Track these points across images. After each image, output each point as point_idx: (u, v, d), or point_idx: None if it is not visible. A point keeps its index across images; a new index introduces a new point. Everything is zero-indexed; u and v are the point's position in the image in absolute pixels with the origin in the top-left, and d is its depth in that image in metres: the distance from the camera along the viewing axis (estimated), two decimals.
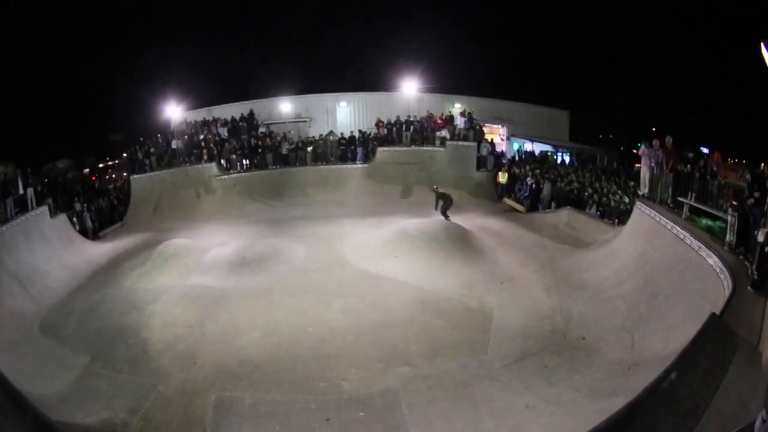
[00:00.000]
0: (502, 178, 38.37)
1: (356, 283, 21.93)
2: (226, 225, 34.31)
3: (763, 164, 17.61)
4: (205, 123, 46.86)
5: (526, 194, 35.01)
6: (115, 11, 61.32)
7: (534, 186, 34.58)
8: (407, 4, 66.36)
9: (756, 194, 15.52)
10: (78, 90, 62.24)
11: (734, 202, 16.77)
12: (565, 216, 29.10)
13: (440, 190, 29.69)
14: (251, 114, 47.62)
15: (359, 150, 42.62)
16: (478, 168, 40.47)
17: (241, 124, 46.44)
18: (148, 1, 63.78)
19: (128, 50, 62.82)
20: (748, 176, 17.25)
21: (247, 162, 43.06)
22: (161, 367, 16.31)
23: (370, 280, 22.03)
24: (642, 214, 21.30)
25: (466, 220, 30.58)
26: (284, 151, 43.06)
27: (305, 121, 50.42)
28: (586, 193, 30.37)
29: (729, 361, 8.25)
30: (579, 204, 29.90)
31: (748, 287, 12.90)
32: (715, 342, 9.19)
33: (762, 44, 13.63)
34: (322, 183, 41.26)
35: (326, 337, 17.26)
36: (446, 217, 28.64)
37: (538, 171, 36.89)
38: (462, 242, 25.77)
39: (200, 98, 51.17)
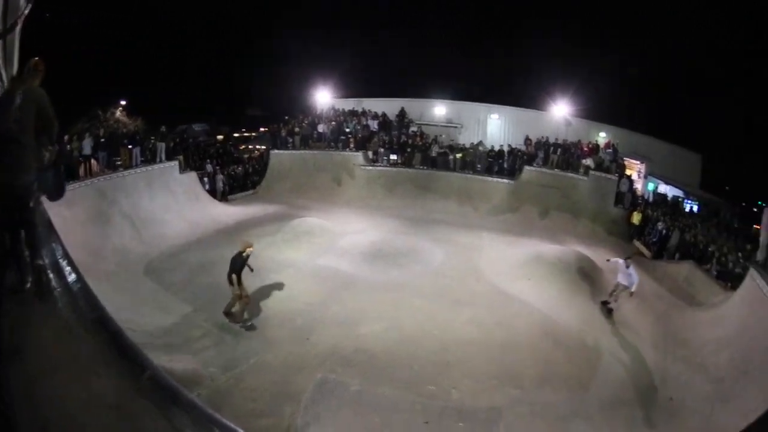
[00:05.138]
0: (636, 218, 37.98)
1: (488, 297, 22.69)
2: (364, 214, 35.35)
3: None
4: (354, 113, 47.99)
5: (655, 239, 34.77)
6: None
7: (664, 232, 34.31)
8: (567, 29, 66.17)
9: None
10: (223, 61, 64.67)
11: None
12: (685, 270, 28.61)
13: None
14: (402, 112, 48.69)
15: (507, 165, 42.83)
16: (616, 204, 39.92)
17: (393, 120, 47.49)
18: None
19: (284, 31, 64.54)
20: None
21: (395, 157, 43.75)
22: (272, 336, 17.50)
23: (502, 297, 22.71)
24: (753, 282, 20.29)
25: (597, 255, 30.46)
26: (434, 153, 43.61)
27: (456, 127, 50.97)
28: (710, 249, 29.82)
29: None
30: (701, 259, 29.50)
31: None
32: None
33: None
34: (466, 191, 41.44)
35: (449, 344, 17.96)
36: None
37: (668, 217, 36.52)
38: (591, 278, 26.11)
39: (350, 88, 52.50)
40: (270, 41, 63.40)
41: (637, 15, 65.55)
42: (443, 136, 48.24)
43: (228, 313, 17.91)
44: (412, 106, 51.10)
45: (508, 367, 16.79)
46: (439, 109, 51.96)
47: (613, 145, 43.87)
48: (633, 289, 21.19)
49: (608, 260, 23.74)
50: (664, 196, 45.39)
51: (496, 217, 39.24)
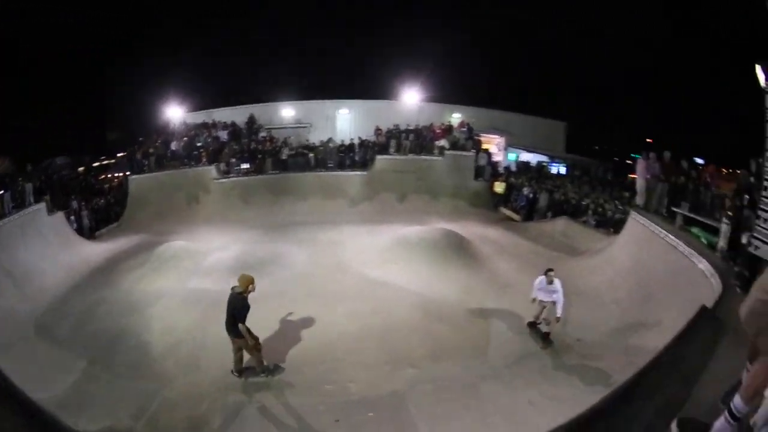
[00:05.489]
0: (499, 188, 38.94)
1: (359, 288, 22.07)
2: (225, 229, 34.08)
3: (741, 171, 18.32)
4: (205, 125, 47.01)
5: (522, 204, 35.52)
6: (120, 8, 61.54)
7: (531, 196, 35.15)
8: (410, 11, 66.37)
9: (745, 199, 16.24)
10: (77, 86, 62.46)
11: (729, 213, 17.09)
12: (561, 225, 29.83)
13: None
14: (252, 118, 48.02)
15: (358, 157, 42.43)
16: (476, 178, 40.66)
17: (242, 128, 46.80)
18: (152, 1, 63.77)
19: (129, 48, 62.94)
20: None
21: (247, 166, 42.02)
22: (165, 371, 16.24)
23: (372, 285, 22.19)
24: (636, 223, 21.81)
25: (464, 228, 30.64)
26: (284, 156, 42.52)
27: (305, 127, 50.73)
28: (584, 203, 30.93)
29: (718, 342, 8.66)
30: (575, 214, 30.47)
31: (737, 289, 13.38)
32: (706, 328, 9.64)
33: (757, 66, 14.15)
34: (321, 189, 40.33)
35: (332, 341, 17.39)
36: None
37: (534, 182, 37.59)
38: (460, 250, 25.97)
39: (201, 100, 51.28)
40: (124, 58, 61.65)
41: None
42: (292, 137, 47.82)
43: (242, 371, 15.84)
44: (261, 111, 50.45)
45: (397, 352, 16.60)
46: (288, 111, 51.94)
47: (467, 123, 44.73)
48: (559, 313, 16.56)
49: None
50: (528, 163, 46.92)
51: (354, 209, 39.05)
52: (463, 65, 57.77)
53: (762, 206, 7.52)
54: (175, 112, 48.56)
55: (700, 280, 15.04)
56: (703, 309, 10.51)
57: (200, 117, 49.51)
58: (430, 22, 63.12)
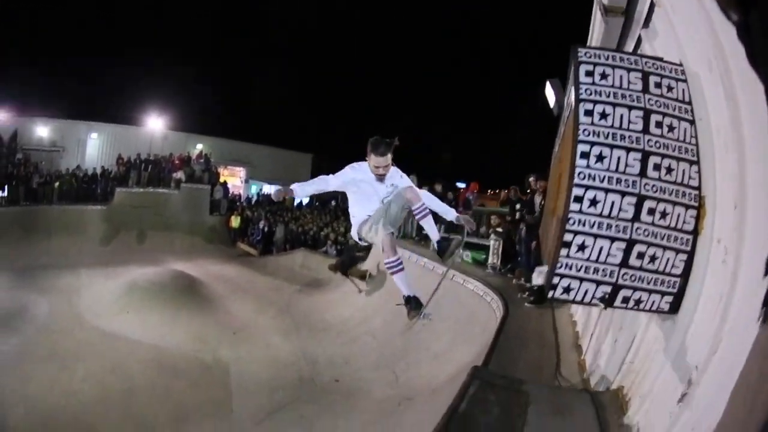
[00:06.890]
0: (235, 222, 39.98)
1: (94, 344, 19.44)
2: None
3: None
4: None
5: (258, 238, 36.86)
6: None
7: (266, 229, 36.44)
8: (160, 38, 66.60)
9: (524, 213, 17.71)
10: None
11: (498, 229, 18.84)
12: (300, 257, 31.03)
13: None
14: (15, 134, 45.15)
15: (100, 189, 41.46)
16: (212, 212, 41.34)
17: (4, 142, 43.69)
18: None
19: None
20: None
21: (2, 193, 38.27)
22: None
23: (107, 340, 19.79)
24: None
25: (198, 267, 30.65)
26: (34, 184, 39.80)
27: (57, 151, 48.57)
28: (323, 233, 32.55)
29: (522, 415, 5.91)
30: (314, 245, 31.98)
31: (526, 304, 13.40)
32: (493, 402, 6.44)
33: (548, 82, 15.66)
34: (64, 226, 37.15)
35: (78, 412, 14.87)
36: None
37: (270, 214, 39.00)
38: (190, 292, 24.87)
39: None
40: None
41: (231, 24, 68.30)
42: (44, 162, 45.22)
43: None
44: (24, 126, 47.46)
45: (140, 417, 14.78)
46: (44, 130, 49.13)
47: (205, 154, 45.35)
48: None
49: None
50: (268, 195, 48.07)
51: (94, 249, 36.27)
52: (209, 95, 58.90)
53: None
54: None
55: (471, 299, 14.83)
56: (477, 372, 7.31)
57: None
58: (177, 50, 63.58)
